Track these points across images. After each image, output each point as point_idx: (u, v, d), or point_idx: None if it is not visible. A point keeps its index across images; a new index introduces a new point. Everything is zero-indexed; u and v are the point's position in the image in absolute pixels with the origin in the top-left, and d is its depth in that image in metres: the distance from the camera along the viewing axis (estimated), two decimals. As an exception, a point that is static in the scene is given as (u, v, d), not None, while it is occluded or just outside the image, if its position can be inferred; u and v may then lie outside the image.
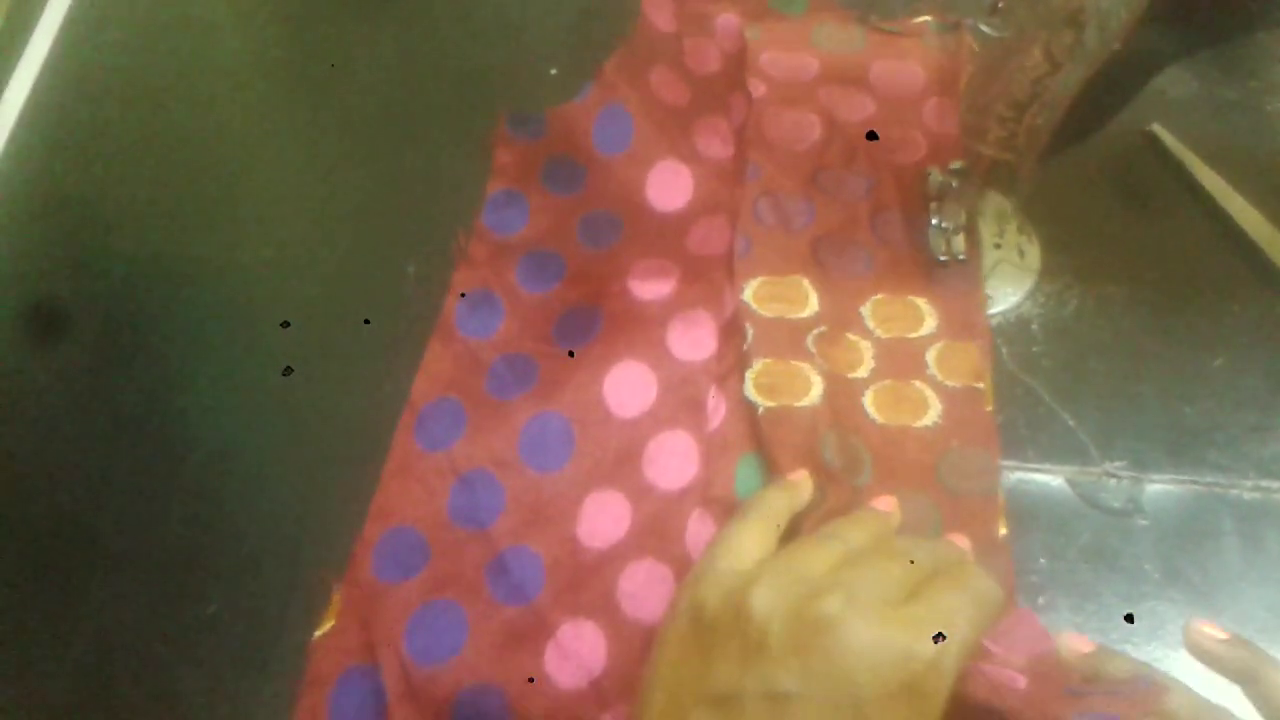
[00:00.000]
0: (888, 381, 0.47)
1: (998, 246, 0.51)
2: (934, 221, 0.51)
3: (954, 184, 0.50)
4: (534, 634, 0.41)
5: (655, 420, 0.46)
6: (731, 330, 0.48)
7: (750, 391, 0.46)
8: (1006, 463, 0.46)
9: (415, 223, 0.54)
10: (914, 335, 0.48)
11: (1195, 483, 0.46)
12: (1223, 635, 0.36)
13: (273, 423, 0.48)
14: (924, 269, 0.50)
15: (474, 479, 0.44)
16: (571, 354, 0.47)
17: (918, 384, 0.47)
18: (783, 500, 0.40)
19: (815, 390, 0.46)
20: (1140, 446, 0.46)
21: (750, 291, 0.49)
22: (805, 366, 0.47)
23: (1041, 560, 0.44)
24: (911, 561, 0.36)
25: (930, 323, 0.49)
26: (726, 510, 0.44)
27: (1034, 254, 0.51)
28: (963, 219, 0.50)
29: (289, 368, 0.49)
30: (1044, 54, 0.42)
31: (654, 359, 0.47)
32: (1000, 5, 0.44)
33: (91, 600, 0.44)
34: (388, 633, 0.41)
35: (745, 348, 0.47)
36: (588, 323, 0.49)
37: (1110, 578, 0.43)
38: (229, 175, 0.56)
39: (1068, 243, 0.52)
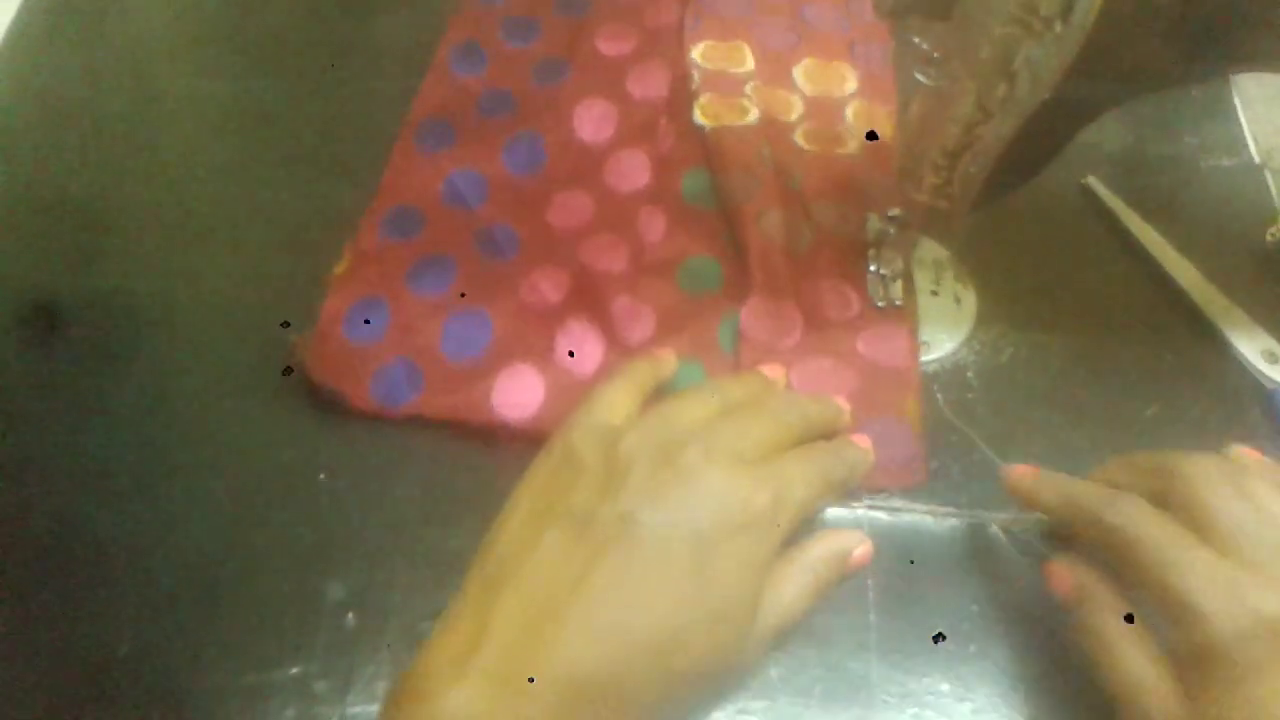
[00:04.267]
0: (814, 124, 0.58)
1: (934, 294, 0.52)
2: (872, 268, 0.51)
3: (891, 231, 0.51)
4: (511, 277, 0.51)
5: (615, 142, 0.56)
6: (681, 77, 0.59)
7: (698, 116, 0.57)
8: (940, 508, 0.46)
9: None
10: (837, 94, 0.59)
11: (1128, 531, 0.46)
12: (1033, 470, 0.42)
13: (273, 425, 0.48)
14: (846, 46, 0.62)
15: (463, 175, 0.54)
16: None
17: (839, 128, 0.58)
18: (649, 369, 0.45)
19: (753, 115, 0.57)
20: (1074, 494, 0.46)
21: (698, 52, 0.60)
22: (745, 101, 0.58)
23: (974, 607, 0.43)
24: (780, 422, 0.41)
25: (851, 84, 0.60)
26: (671, 209, 0.54)
27: (970, 302, 0.52)
28: (900, 266, 0.51)
29: (289, 368, 0.48)
30: (977, 103, 0.42)
31: (615, 97, 0.58)
32: (936, 55, 0.45)
33: (91, 603, 0.42)
34: (392, 274, 0.51)
35: (693, 87, 0.58)
36: (560, 69, 0.59)
37: (1043, 626, 0.43)
38: (229, 175, 0.56)
39: (1004, 292, 0.52)
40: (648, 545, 0.36)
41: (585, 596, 0.35)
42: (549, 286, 0.50)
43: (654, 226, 0.53)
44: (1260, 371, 0.50)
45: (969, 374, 0.50)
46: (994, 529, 0.45)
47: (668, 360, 0.47)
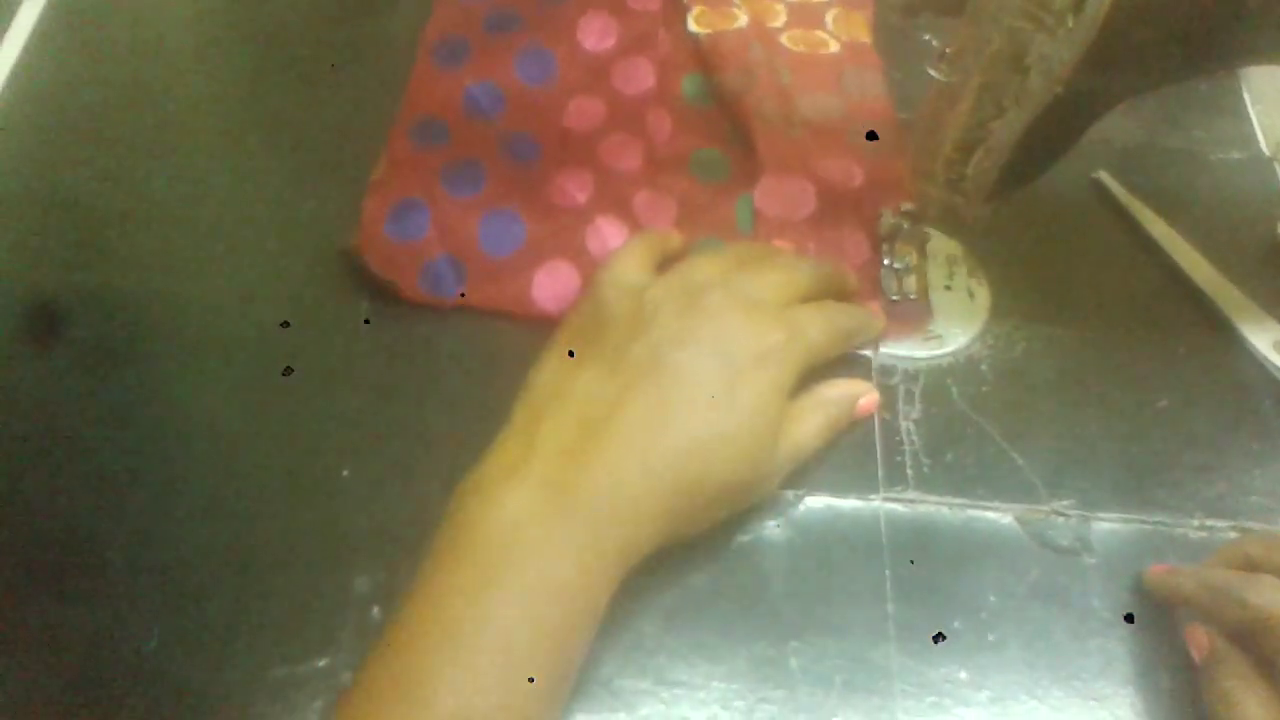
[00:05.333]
0: (798, 30, 0.61)
1: (948, 288, 0.52)
2: (885, 262, 0.51)
3: (905, 225, 0.51)
4: (538, 181, 0.54)
5: (618, 51, 0.58)
6: None
7: (692, 25, 0.61)
8: (956, 499, 0.46)
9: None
10: (816, 1, 0.64)
11: (1143, 522, 0.46)
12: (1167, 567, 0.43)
13: (273, 423, 0.48)
14: None
15: (480, 87, 0.56)
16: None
17: (820, 32, 0.61)
18: (657, 238, 0.49)
19: (742, 21, 0.61)
20: (1088, 486, 0.47)
21: None
22: (735, 10, 0.62)
23: (991, 598, 0.44)
24: (793, 274, 0.46)
25: None
26: (675, 109, 0.58)
27: (984, 296, 0.52)
28: (913, 260, 0.51)
29: (289, 368, 0.49)
30: (990, 98, 0.43)
31: (614, 9, 0.60)
32: (948, 51, 0.45)
33: (90, 603, 0.43)
34: (426, 178, 0.53)
35: (685, 1, 0.63)
36: None
37: (1059, 615, 0.44)
38: (229, 171, 0.56)
39: (1017, 286, 0.53)
40: (677, 374, 0.40)
41: (621, 417, 0.39)
42: (575, 187, 0.54)
43: (661, 126, 0.57)
44: (1272, 363, 0.50)
45: (983, 367, 0.50)
46: (1010, 520, 0.46)
47: (673, 234, 0.51)
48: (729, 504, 0.42)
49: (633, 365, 0.40)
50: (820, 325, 0.44)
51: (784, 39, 0.61)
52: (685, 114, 0.58)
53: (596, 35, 0.59)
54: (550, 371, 0.42)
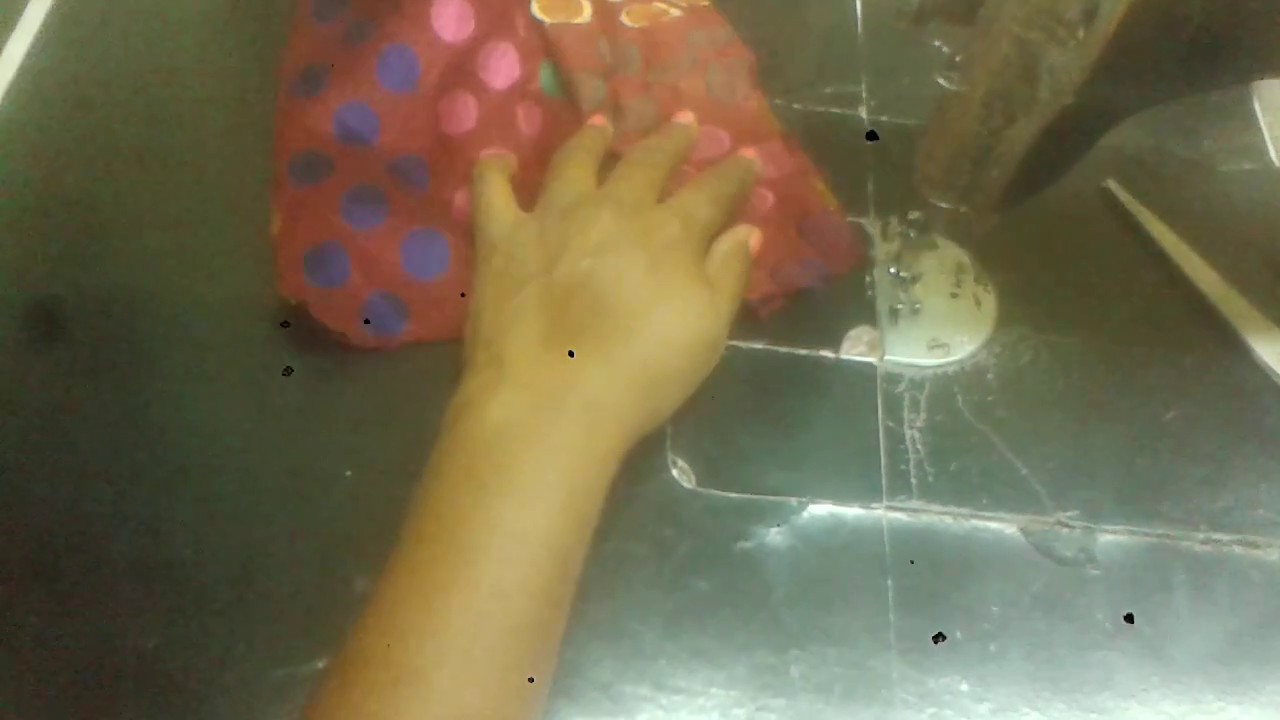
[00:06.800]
0: (637, 6, 0.61)
1: (955, 296, 0.52)
2: (891, 270, 0.51)
3: (911, 234, 0.51)
4: (436, 196, 0.53)
5: (479, 37, 0.57)
6: None
7: (535, 11, 0.58)
8: (960, 509, 0.46)
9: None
10: None
11: (1147, 534, 0.46)
12: None
13: (274, 423, 0.48)
14: None
15: (348, 108, 0.54)
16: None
17: (658, 4, 0.61)
18: (499, 167, 0.52)
19: (586, 12, 0.59)
20: (1093, 497, 0.47)
21: None
22: None
23: (994, 608, 0.44)
24: (652, 163, 0.50)
25: None
26: (540, 100, 0.57)
27: (990, 304, 0.52)
28: (919, 269, 0.51)
29: (289, 368, 0.49)
30: (1000, 107, 0.43)
31: None
32: (957, 59, 0.45)
33: (89, 603, 0.43)
34: (327, 217, 0.50)
35: None
36: None
37: (1062, 627, 0.43)
38: (228, 173, 0.56)
39: (1024, 295, 0.53)
40: (606, 275, 0.43)
41: (570, 325, 0.43)
42: (467, 203, 0.53)
43: (532, 122, 0.56)
44: (1279, 376, 0.50)
45: (989, 376, 0.50)
46: (1014, 530, 0.46)
47: (508, 156, 0.54)
48: (693, 370, 0.45)
49: (564, 281, 0.44)
50: (704, 203, 0.48)
51: (623, 16, 0.60)
52: (551, 106, 0.56)
53: (454, 25, 0.56)
54: (490, 311, 0.45)
